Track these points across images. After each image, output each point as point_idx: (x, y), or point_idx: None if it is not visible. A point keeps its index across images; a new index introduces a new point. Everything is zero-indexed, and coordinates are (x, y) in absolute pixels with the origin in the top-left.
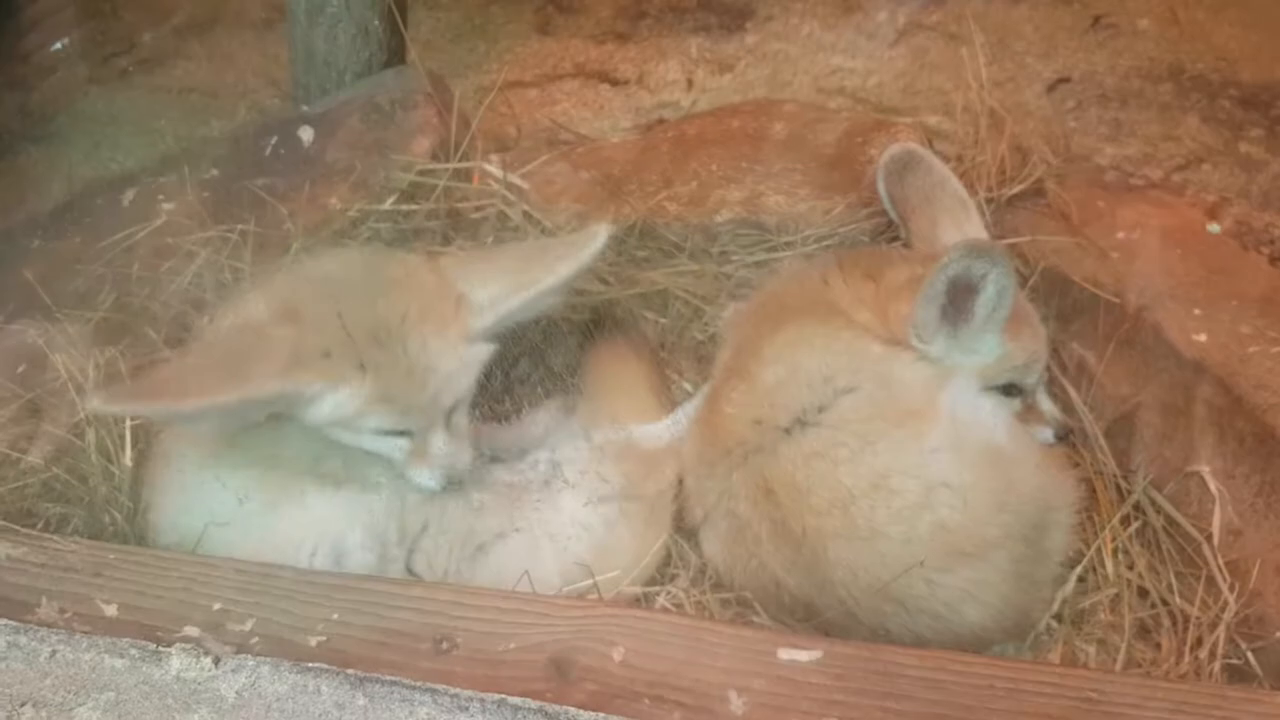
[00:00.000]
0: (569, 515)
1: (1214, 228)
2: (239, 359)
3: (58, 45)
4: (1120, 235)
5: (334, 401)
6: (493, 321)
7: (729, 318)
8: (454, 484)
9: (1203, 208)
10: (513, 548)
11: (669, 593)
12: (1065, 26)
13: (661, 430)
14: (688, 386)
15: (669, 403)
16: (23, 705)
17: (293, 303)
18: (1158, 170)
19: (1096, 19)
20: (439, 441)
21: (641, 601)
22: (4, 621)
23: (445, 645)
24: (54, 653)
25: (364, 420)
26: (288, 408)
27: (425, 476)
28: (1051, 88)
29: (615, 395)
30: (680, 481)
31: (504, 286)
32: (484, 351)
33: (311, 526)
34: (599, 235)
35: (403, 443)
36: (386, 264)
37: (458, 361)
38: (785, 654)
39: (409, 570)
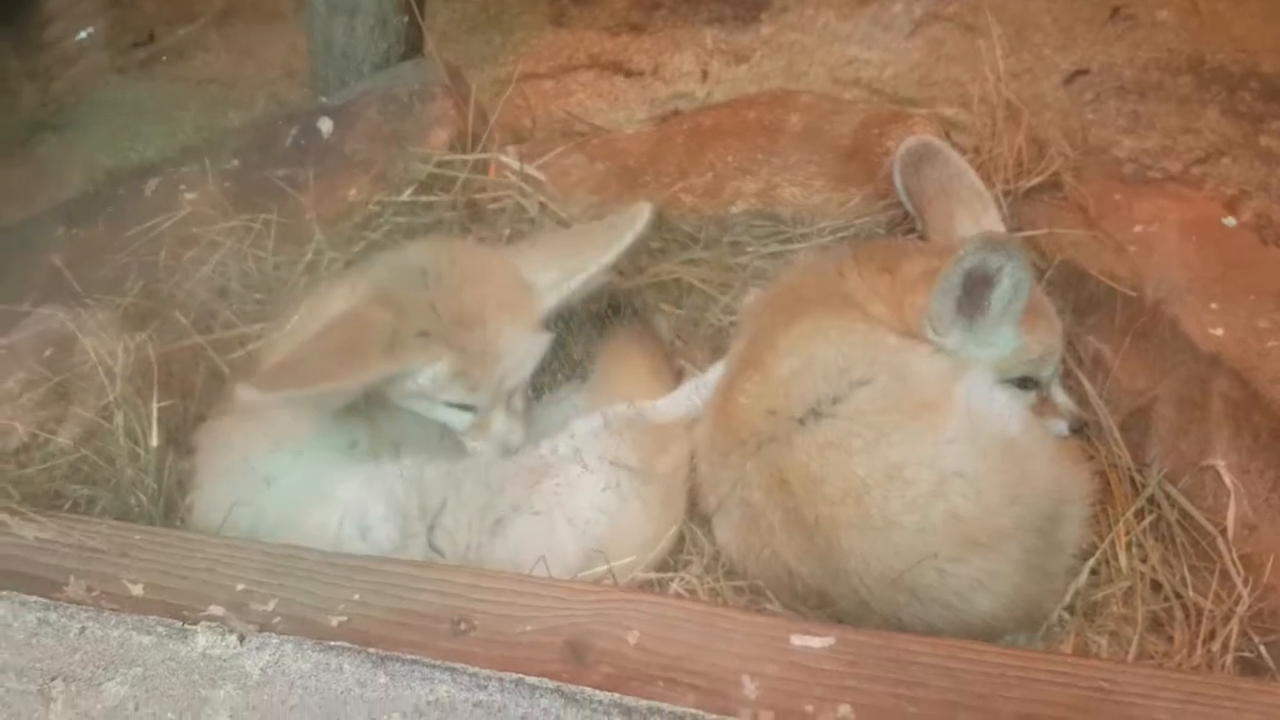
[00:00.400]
0: (586, 498)
1: (1230, 221)
2: (353, 345)
3: (83, 35)
4: (1138, 229)
5: (425, 376)
6: (555, 305)
7: (749, 304)
8: (505, 455)
9: (1221, 201)
10: (530, 526)
11: (682, 579)
12: (1084, 18)
13: (671, 405)
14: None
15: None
16: (54, 679)
17: (389, 291)
18: (1176, 163)
19: (1115, 10)
20: (499, 420)
21: (656, 587)
22: (34, 599)
23: (464, 626)
24: (83, 629)
25: (441, 394)
26: (386, 384)
27: (480, 447)
28: (1069, 80)
29: (628, 380)
30: (693, 462)
31: (562, 271)
32: (546, 340)
33: (338, 503)
34: (643, 213)
35: (468, 416)
36: (467, 255)
37: (525, 349)
38: (798, 640)
39: (430, 546)
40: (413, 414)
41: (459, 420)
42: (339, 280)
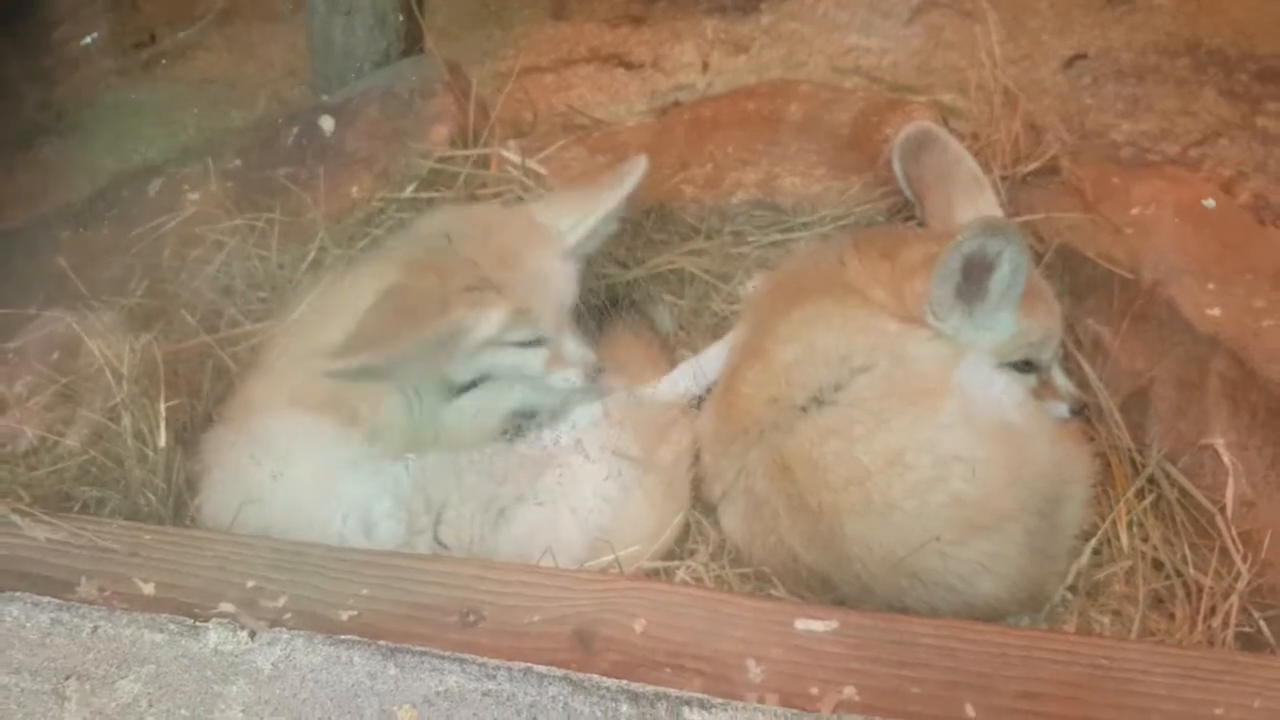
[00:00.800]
0: (589, 488)
1: (1209, 203)
2: (408, 310)
3: (87, 40)
4: (1135, 211)
5: (485, 324)
6: (574, 243)
7: (750, 292)
8: (590, 381)
9: (1219, 183)
10: (534, 517)
11: (689, 567)
12: (1081, 3)
13: (668, 388)
14: None
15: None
16: (68, 678)
17: (422, 260)
18: (1174, 146)
19: None
20: (570, 343)
21: (661, 575)
22: (47, 599)
23: (472, 618)
24: (95, 628)
25: (508, 334)
26: (451, 343)
27: (566, 377)
28: (1068, 64)
29: (628, 374)
30: (697, 451)
31: (577, 214)
32: (578, 265)
33: (342, 499)
34: (640, 164)
35: (541, 352)
36: (482, 212)
37: (566, 274)
38: (802, 624)
39: (436, 540)
40: (486, 383)
41: (535, 359)
42: (354, 269)
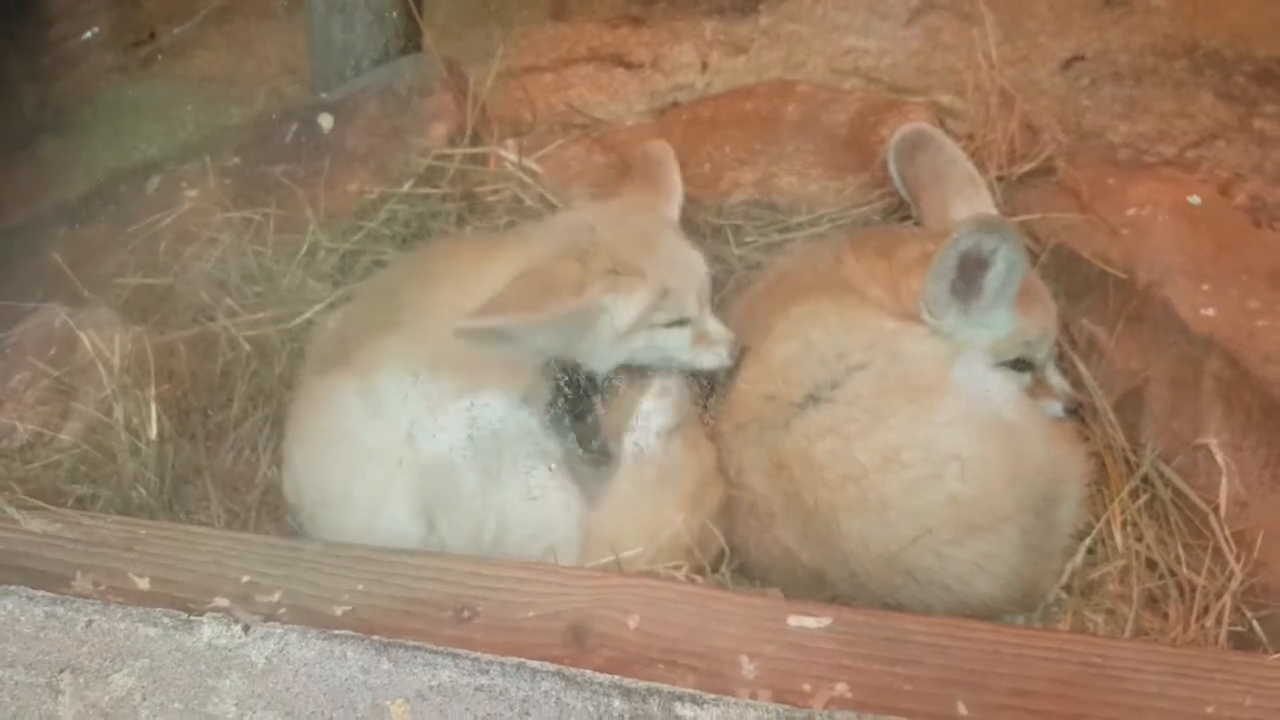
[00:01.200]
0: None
1: (1194, 199)
2: (548, 287)
3: (87, 35)
4: (1131, 212)
5: (630, 305)
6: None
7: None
8: (732, 358)
9: (1215, 184)
10: (528, 513)
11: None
12: (1079, 5)
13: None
14: None
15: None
16: (61, 672)
17: (564, 248)
18: (1171, 147)
19: None
20: (712, 322)
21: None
22: (41, 593)
23: (466, 614)
24: (90, 622)
25: (655, 315)
26: (590, 324)
27: (711, 356)
28: (1066, 66)
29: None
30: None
31: (665, 203)
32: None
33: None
34: (665, 148)
35: (685, 332)
36: (613, 206)
37: (696, 255)
38: (795, 621)
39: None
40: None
41: (680, 340)
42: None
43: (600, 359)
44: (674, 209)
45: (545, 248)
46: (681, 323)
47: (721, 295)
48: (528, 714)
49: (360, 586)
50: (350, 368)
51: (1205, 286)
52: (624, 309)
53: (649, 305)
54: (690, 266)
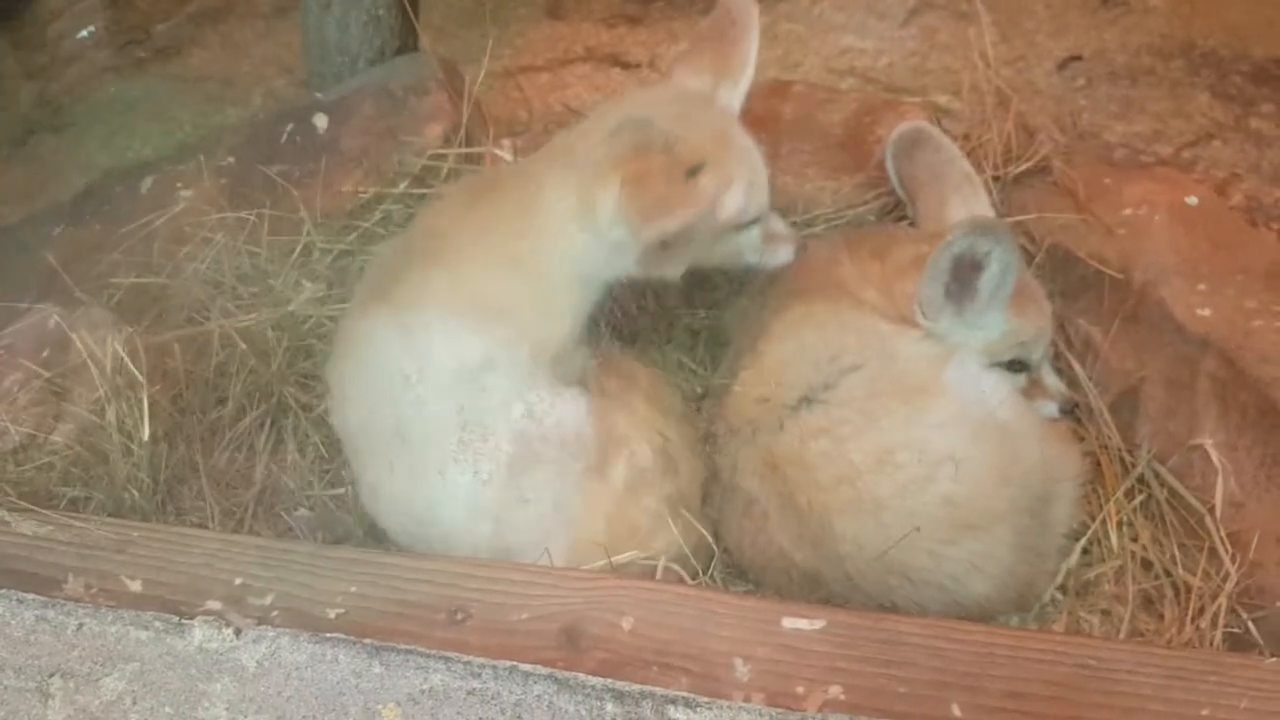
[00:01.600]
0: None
1: (1191, 200)
2: (662, 196)
3: (84, 34)
4: (1127, 212)
5: (730, 202)
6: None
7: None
8: (800, 255)
9: (1212, 184)
10: (520, 515)
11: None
12: (1076, 4)
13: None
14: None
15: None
16: (51, 676)
17: (636, 141)
18: (1167, 147)
19: None
20: (775, 219)
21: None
22: (32, 596)
23: (460, 616)
24: (80, 626)
25: (747, 215)
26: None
27: (781, 253)
28: (1062, 65)
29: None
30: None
31: (729, 80)
32: None
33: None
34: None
35: (756, 231)
36: (661, 92)
37: (755, 144)
38: (789, 623)
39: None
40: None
41: (750, 240)
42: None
43: (676, 264)
44: (737, 95)
45: (608, 151)
46: (755, 220)
47: (717, 296)
48: (520, 718)
49: (353, 588)
50: (391, 304)
51: (1201, 286)
52: (726, 206)
53: (745, 199)
54: (760, 162)
